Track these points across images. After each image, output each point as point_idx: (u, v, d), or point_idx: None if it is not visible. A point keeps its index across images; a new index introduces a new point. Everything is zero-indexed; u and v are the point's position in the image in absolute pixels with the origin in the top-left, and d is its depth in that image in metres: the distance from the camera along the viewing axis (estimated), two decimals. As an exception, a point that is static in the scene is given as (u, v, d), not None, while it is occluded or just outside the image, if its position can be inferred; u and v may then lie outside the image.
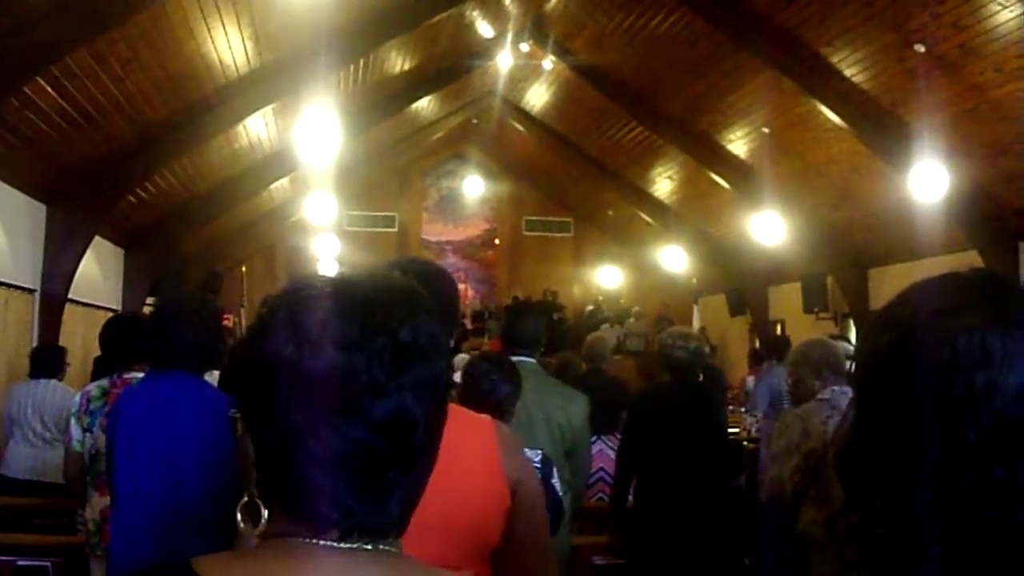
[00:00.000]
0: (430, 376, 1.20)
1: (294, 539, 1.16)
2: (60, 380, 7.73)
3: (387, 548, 1.21)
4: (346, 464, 1.14)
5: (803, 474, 3.78)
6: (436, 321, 1.23)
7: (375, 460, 1.15)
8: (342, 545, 1.16)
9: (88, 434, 4.85)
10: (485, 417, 2.41)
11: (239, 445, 2.55)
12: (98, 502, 4.69)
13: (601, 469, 7.27)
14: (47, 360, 7.69)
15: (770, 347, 10.93)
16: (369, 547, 1.18)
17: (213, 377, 4.23)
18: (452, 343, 2.49)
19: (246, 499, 1.21)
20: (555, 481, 3.63)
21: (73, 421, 4.98)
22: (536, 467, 3.52)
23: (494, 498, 2.20)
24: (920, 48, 9.54)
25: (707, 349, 6.12)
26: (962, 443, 1.08)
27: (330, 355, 1.13)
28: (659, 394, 6.09)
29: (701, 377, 6.30)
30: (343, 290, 1.20)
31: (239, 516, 1.22)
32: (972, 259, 11.13)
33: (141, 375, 4.86)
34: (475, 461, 2.21)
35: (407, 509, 1.23)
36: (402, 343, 1.17)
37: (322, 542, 1.15)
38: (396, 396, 1.15)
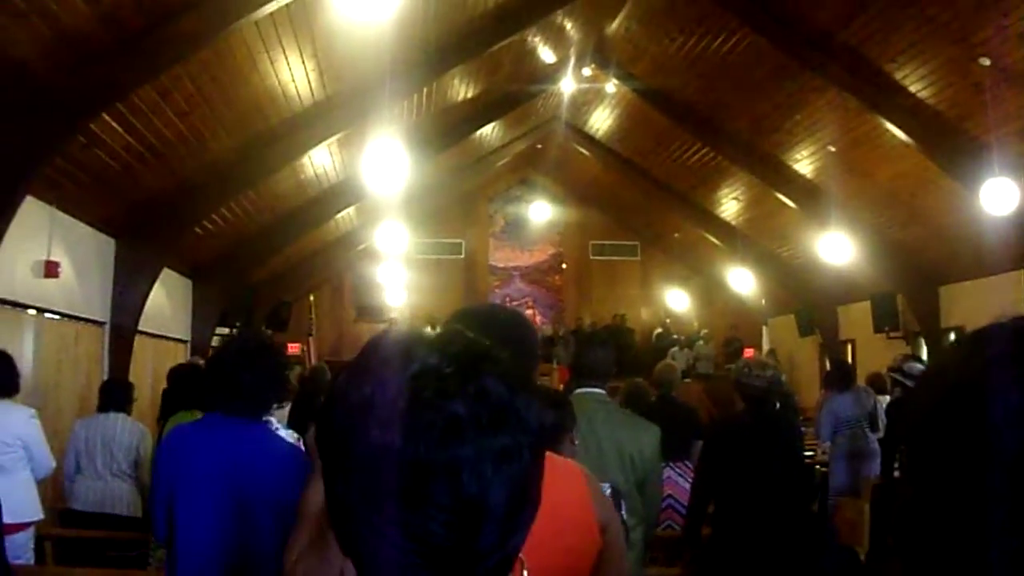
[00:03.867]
0: (498, 449, 1.04)
1: None
2: (128, 414, 7.78)
3: None
4: (405, 552, 1.02)
5: None
6: (510, 382, 1.08)
7: (437, 550, 1.02)
8: None
9: None
10: (571, 461, 2.42)
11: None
12: None
13: (669, 496, 7.20)
14: (116, 394, 7.74)
15: (833, 375, 10.79)
16: None
17: (283, 411, 4.18)
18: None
19: None
20: (623, 513, 3.60)
21: None
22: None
23: (588, 542, 2.22)
24: (985, 61, 9.42)
25: (783, 376, 6.00)
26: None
27: (373, 434, 1.02)
28: (735, 424, 6.00)
29: (778, 405, 6.21)
30: (393, 356, 1.07)
31: None
32: (1045, 275, 10.95)
33: None
34: (570, 506, 2.21)
35: None
36: (456, 416, 1.02)
37: None
38: (450, 477, 1.01)
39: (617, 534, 2.42)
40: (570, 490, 2.26)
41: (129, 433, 7.44)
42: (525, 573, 1.15)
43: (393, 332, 1.13)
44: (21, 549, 6.20)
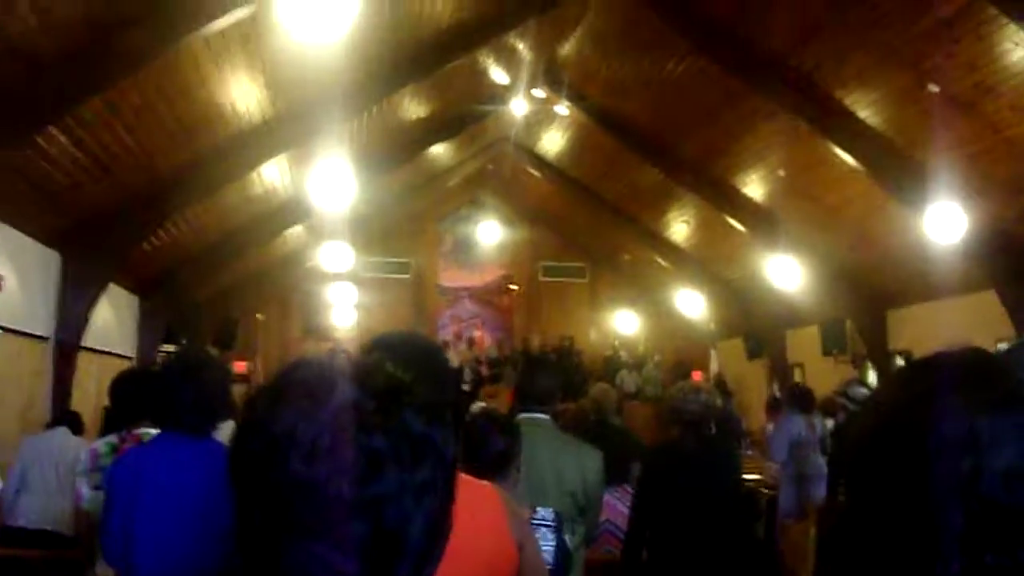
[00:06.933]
0: (419, 483, 1.06)
1: None
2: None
3: None
4: None
5: None
6: (428, 416, 1.10)
7: None
8: None
9: (98, 491, 4.65)
10: (488, 484, 2.52)
11: None
12: None
13: (608, 521, 7.15)
14: (71, 415, 7.65)
15: (793, 396, 10.82)
16: None
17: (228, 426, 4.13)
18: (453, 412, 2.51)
19: None
20: (566, 536, 3.58)
21: (83, 479, 4.86)
22: (550, 524, 3.51)
23: (504, 559, 2.33)
24: (935, 88, 9.51)
25: (718, 401, 6.05)
26: (951, 529, 1.04)
27: (295, 467, 1.02)
28: (672, 448, 6.00)
29: (714, 430, 6.23)
30: (315, 389, 1.07)
31: None
32: (990, 299, 11.06)
33: (151, 431, 4.81)
34: (486, 525, 2.32)
35: None
36: (377, 452, 1.04)
37: None
38: (370, 513, 1.03)
39: (534, 553, 2.54)
40: (488, 511, 2.38)
41: (72, 450, 7.23)
42: None
43: (312, 361, 1.13)
44: None
